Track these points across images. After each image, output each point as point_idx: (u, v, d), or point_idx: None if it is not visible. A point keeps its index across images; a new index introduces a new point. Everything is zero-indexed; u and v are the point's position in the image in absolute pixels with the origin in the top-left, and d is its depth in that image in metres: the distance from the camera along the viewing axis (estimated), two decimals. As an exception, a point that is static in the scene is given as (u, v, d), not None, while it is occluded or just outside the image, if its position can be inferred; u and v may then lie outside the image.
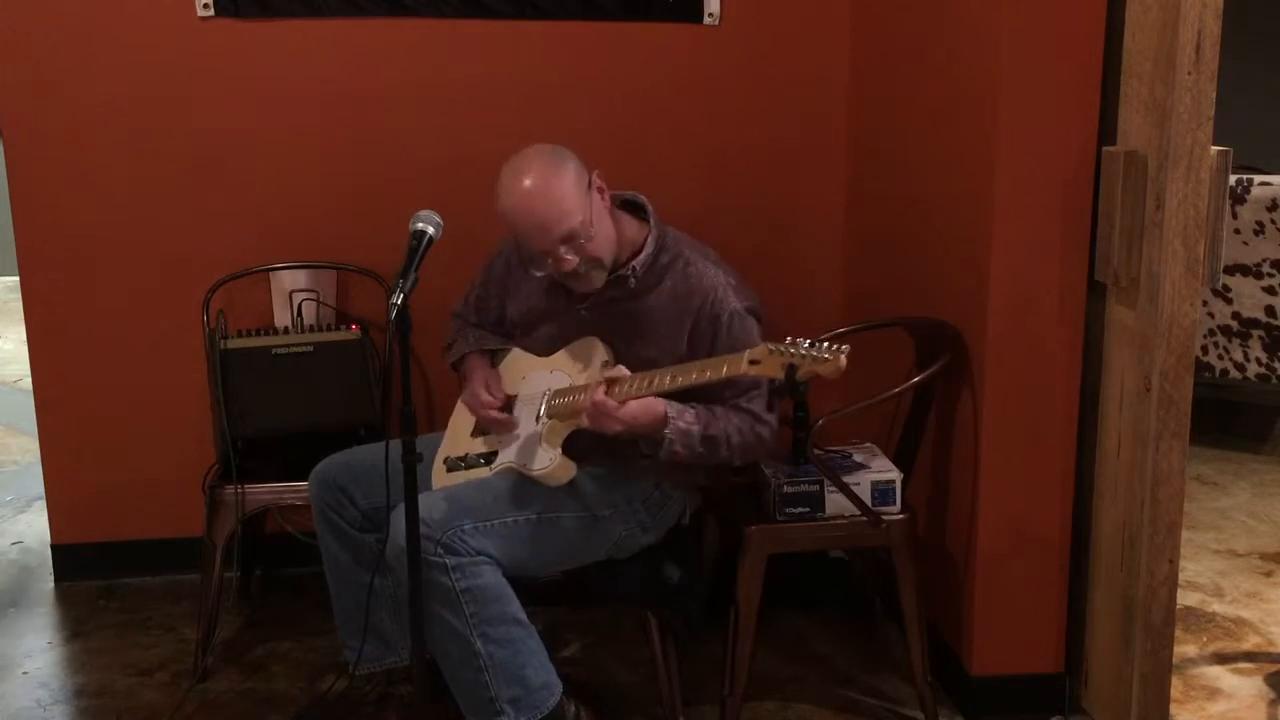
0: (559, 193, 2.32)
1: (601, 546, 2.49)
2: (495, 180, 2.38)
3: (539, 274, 2.46)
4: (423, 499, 2.19)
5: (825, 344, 2.05)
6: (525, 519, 2.38)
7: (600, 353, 2.44)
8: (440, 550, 2.27)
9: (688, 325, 2.43)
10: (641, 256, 2.45)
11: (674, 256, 2.48)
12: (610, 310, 2.48)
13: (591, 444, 2.44)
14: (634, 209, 2.53)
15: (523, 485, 2.41)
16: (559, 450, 2.39)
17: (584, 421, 2.34)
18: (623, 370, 2.30)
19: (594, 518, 2.45)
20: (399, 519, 2.24)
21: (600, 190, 2.40)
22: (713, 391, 2.37)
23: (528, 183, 2.32)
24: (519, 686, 2.37)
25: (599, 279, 2.42)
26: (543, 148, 2.39)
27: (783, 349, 2.08)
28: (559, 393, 2.44)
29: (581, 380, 2.42)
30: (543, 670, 2.41)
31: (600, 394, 2.26)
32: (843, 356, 2.03)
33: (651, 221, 2.50)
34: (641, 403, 2.28)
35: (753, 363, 2.12)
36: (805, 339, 2.08)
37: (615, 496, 2.47)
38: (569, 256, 2.34)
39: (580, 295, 2.49)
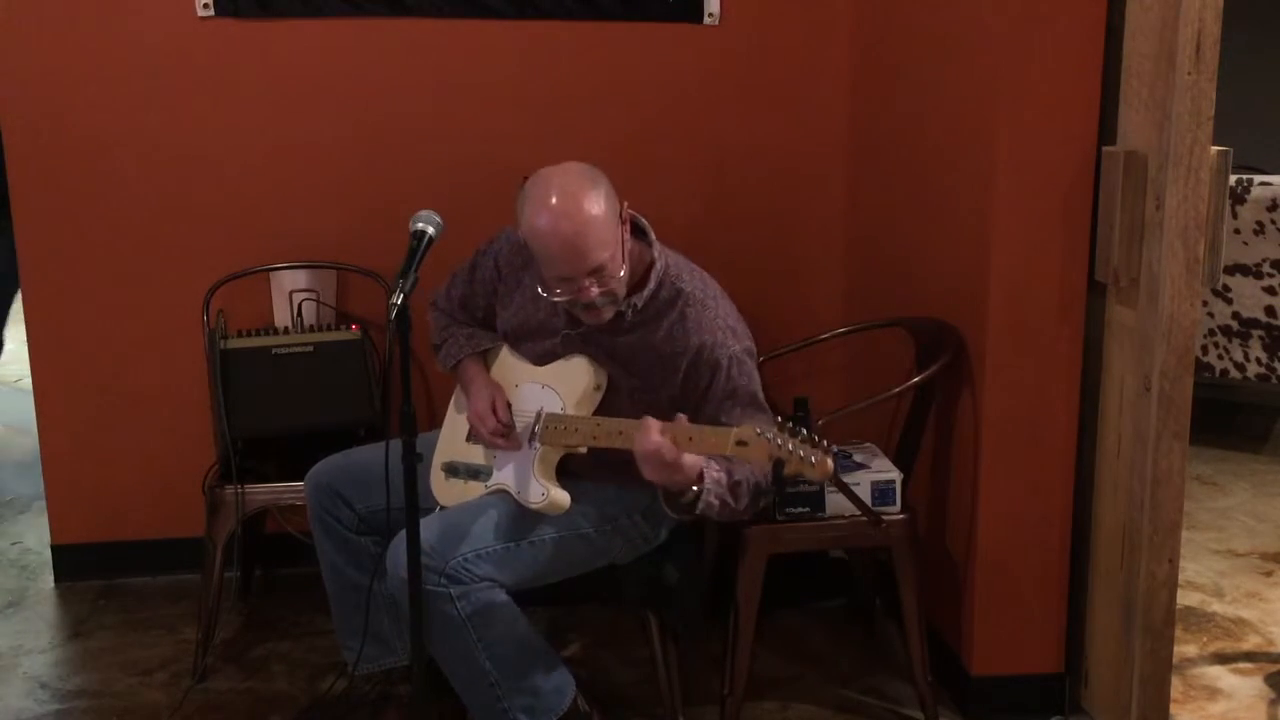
0: (596, 222, 2.19)
1: (603, 559, 2.48)
2: (521, 194, 2.26)
3: (551, 298, 2.30)
4: (421, 526, 2.16)
5: (814, 441, 1.97)
6: (527, 543, 2.35)
7: (592, 377, 2.37)
8: (443, 580, 2.24)
9: (682, 366, 2.33)
10: (644, 292, 2.34)
11: (675, 294, 2.36)
12: (601, 341, 2.38)
13: (587, 462, 2.41)
14: (633, 229, 2.38)
15: (522, 509, 2.38)
16: (553, 482, 2.36)
17: (582, 450, 2.33)
18: (682, 418, 2.16)
19: (594, 535, 2.43)
20: (398, 549, 2.21)
21: (626, 221, 2.28)
22: (722, 410, 2.31)
23: (564, 206, 2.18)
24: (530, 695, 2.36)
25: (609, 313, 2.31)
26: (579, 168, 2.26)
27: (770, 437, 1.99)
28: (552, 418, 2.37)
29: (572, 404, 2.37)
30: (553, 675, 2.41)
31: (657, 437, 2.10)
32: (829, 461, 1.96)
33: (655, 251, 2.38)
34: (690, 455, 2.13)
35: (740, 444, 2.04)
36: (793, 426, 1.99)
37: (615, 512, 2.45)
38: (592, 289, 2.23)
39: (574, 321, 2.40)
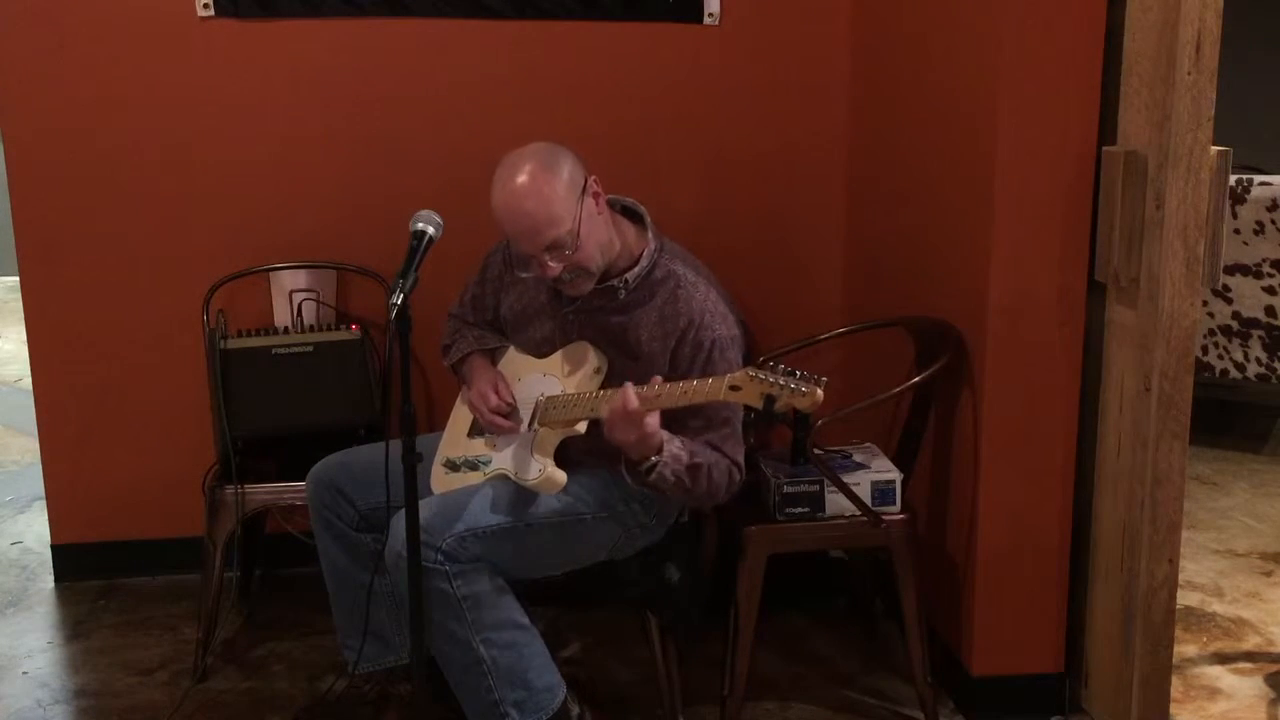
0: (548, 197, 2.27)
1: (601, 548, 2.48)
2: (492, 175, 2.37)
3: (524, 275, 2.44)
4: (420, 506, 2.19)
5: (804, 375, 2.03)
6: (523, 525, 2.37)
7: (592, 360, 2.42)
8: (440, 557, 2.27)
9: (671, 345, 2.39)
10: (635, 270, 2.41)
11: (667, 274, 2.42)
12: (596, 319, 2.45)
13: (585, 448, 2.43)
14: (633, 216, 2.49)
15: (519, 491, 2.40)
16: (550, 459, 2.37)
17: (581, 429, 2.35)
18: (657, 379, 2.22)
19: (591, 520, 2.44)
20: (398, 523, 2.24)
21: (596, 196, 2.34)
22: (683, 422, 2.34)
23: (518, 184, 2.28)
24: (522, 689, 2.37)
25: (586, 285, 2.38)
26: (540, 147, 2.34)
27: (763, 376, 2.05)
28: (551, 400, 2.42)
29: (572, 387, 2.41)
30: (546, 672, 2.41)
31: (633, 399, 2.17)
32: (819, 390, 2.01)
33: (650, 233, 2.45)
34: (655, 417, 2.21)
35: (733, 388, 2.09)
36: (784, 365, 2.06)
37: (611, 499, 2.46)
38: (553, 264, 2.30)
39: (568, 298, 2.47)
